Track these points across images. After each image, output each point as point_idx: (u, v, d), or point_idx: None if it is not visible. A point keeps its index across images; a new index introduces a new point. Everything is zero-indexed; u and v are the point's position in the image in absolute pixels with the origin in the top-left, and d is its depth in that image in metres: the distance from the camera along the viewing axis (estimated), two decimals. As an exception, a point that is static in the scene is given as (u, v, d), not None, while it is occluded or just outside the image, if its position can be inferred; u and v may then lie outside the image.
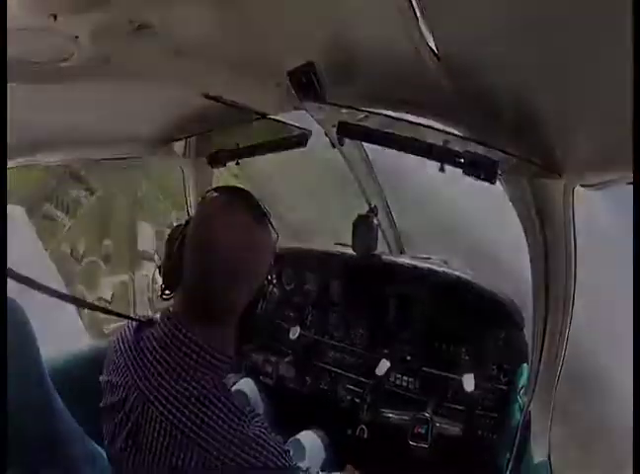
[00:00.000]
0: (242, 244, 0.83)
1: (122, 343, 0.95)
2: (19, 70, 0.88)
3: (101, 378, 0.96)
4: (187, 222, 0.90)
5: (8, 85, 0.80)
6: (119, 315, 1.02)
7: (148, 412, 0.83)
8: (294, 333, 1.80)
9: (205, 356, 0.85)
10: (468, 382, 1.45)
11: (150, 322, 0.94)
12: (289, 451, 0.87)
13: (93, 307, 1.01)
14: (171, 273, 0.91)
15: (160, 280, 0.96)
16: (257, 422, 0.84)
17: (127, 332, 0.97)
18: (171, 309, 0.91)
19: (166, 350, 0.85)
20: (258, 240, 0.86)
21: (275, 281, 1.93)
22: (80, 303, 0.98)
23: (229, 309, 0.89)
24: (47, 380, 0.96)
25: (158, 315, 0.94)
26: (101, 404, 0.94)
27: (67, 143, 1.41)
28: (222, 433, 0.80)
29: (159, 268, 0.96)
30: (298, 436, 1.52)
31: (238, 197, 0.88)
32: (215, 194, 0.89)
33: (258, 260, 0.87)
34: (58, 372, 1.40)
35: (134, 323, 0.97)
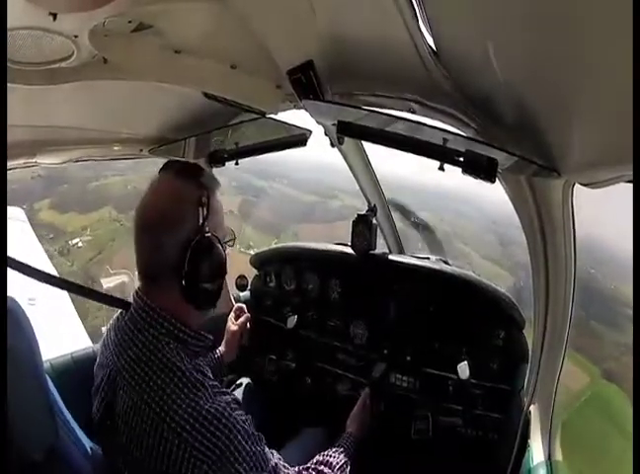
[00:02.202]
0: (161, 200, 0.92)
1: (111, 328, 1.01)
2: (19, 71, 0.88)
3: (94, 369, 1.00)
4: None
5: (8, 86, 0.80)
6: (111, 302, 1.07)
7: (120, 385, 0.87)
8: (291, 322, 1.81)
9: (164, 324, 0.90)
10: (463, 370, 1.45)
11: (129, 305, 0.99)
12: (253, 434, 0.87)
13: (91, 293, 1.08)
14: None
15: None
16: (219, 398, 0.85)
17: (115, 319, 1.03)
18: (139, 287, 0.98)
19: (134, 323, 0.91)
20: (177, 192, 0.92)
21: (274, 281, 1.93)
22: (78, 291, 1.04)
23: (170, 267, 0.91)
24: (47, 383, 0.96)
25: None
26: (93, 387, 0.97)
27: (66, 144, 1.41)
28: (182, 405, 0.81)
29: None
30: None
31: (166, 169, 0.96)
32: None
33: (181, 209, 0.92)
34: (60, 374, 1.40)
35: (123, 311, 1.01)
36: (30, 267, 0.94)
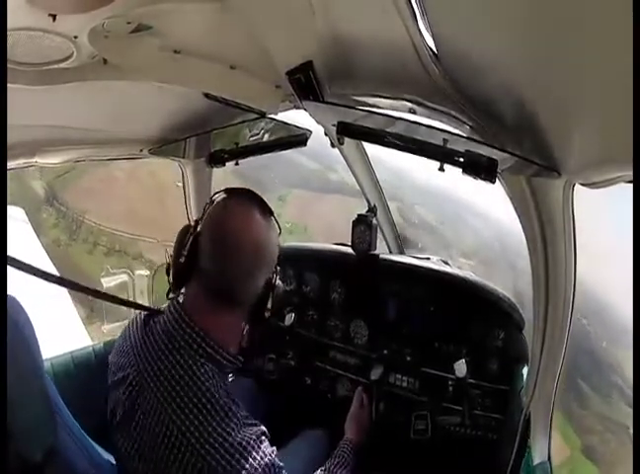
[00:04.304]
0: (259, 239, 0.94)
1: (132, 326, 1.01)
2: (18, 71, 0.88)
3: (109, 358, 1.00)
4: (196, 222, 0.96)
5: (8, 86, 0.80)
6: (131, 305, 1.08)
7: (144, 396, 0.85)
8: (289, 320, 1.80)
9: (206, 348, 0.89)
10: (460, 368, 1.45)
11: (159, 311, 0.98)
12: (278, 467, 0.86)
13: (104, 297, 1.04)
14: (182, 271, 0.95)
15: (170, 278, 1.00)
16: (249, 429, 0.84)
17: (138, 318, 1.02)
18: (180, 300, 0.96)
19: (168, 336, 0.90)
20: (269, 235, 0.97)
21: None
22: (90, 292, 0.99)
23: (245, 298, 0.96)
24: (48, 383, 0.95)
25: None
26: (108, 382, 0.97)
27: (66, 144, 1.41)
28: (211, 432, 0.80)
29: (167, 267, 1.00)
30: None
31: (250, 198, 0.98)
32: (226, 195, 0.97)
33: (270, 252, 0.98)
34: (59, 373, 1.40)
35: (145, 312, 1.02)
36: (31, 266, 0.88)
